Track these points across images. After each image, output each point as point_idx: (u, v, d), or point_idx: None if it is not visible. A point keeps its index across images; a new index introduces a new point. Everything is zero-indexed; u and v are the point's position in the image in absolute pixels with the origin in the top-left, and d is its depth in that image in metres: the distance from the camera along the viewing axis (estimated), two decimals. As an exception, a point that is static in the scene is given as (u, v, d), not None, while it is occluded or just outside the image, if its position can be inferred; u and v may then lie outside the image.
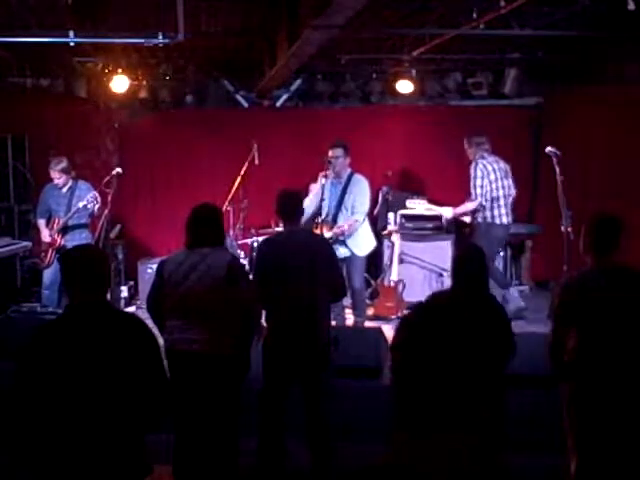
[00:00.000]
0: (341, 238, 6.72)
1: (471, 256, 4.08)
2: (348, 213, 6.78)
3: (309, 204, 6.76)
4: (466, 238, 7.69)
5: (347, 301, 7.31)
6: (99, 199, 7.12)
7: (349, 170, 6.91)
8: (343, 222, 6.75)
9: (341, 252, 6.63)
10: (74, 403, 2.88)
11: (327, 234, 6.55)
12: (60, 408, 2.88)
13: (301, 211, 4.75)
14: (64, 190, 7.35)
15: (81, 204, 7.08)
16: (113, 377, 2.93)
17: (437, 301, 3.95)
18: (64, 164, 7.32)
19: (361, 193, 6.84)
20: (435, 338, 3.74)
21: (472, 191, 7.28)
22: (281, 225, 4.87)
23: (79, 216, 7.27)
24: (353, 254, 6.82)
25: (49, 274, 7.39)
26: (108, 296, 3.36)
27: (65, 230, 7.31)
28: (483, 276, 3.95)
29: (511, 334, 3.87)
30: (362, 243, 6.91)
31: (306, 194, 6.91)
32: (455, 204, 8.89)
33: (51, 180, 7.40)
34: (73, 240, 7.14)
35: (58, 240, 7.28)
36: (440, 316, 3.80)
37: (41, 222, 7.48)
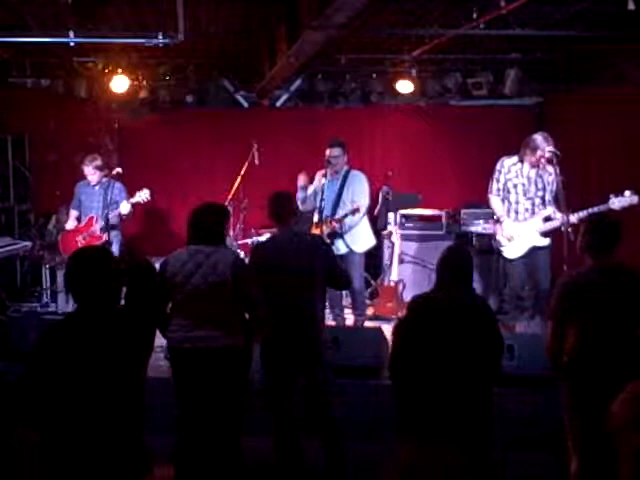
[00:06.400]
0: (339, 231, 6.69)
1: (456, 256, 4.08)
2: (347, 208, 6.75)
3: (309, 194, 6.78)
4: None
5: (347, 301, 7.31)
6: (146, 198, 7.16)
7: (346, 167, 6.90)
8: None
9: (339, 248, 6.63)
10: (79, 403, 2.89)
11: (328, 230, 6.55)
12: (65, 407, 2.89)
13: (292, 211, 4.75)
14: (97, 188, 7.35)
15: (124, 210, 7.12)
16: (119, 376, 2.94)
17: (422, 305, 3.96)
18: (98, 161, 7.35)
19: (360, 187, 6.81)
20: (424, 343, 3.76)
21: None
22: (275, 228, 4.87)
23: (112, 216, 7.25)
24: (351, 251, 6.79)
25: None
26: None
27: (111, 227, 7.19)
28: (467, 277, 3.95)
29: (498, 333, 3.87)
30: (360, 240, 6.88)
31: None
32: (454, 204, 8.91)
33: (74, 178, 7.46)
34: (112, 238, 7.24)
35: (104, 237, 7.12)
36: (429, 321, 3.82)
37: (73, 213, 7.50)
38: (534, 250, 6.36)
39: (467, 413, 3.62)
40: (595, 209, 5.88)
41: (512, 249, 6.41)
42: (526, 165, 6.37)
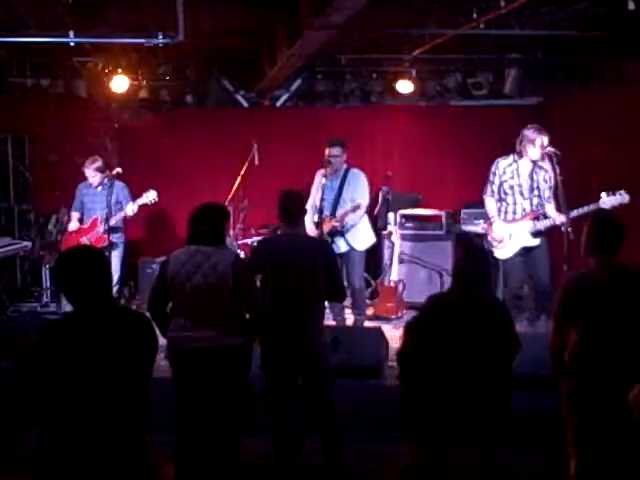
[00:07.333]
0: (339, 229, 6.68)
1: (472, 256, 4.06)
2: (347, 206, 6.75)
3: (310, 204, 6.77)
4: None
5: (347, 301, 7.31)
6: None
7: (345, 166, 6.90)
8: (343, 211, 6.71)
9: (340, 246, 6.63)
10: (77, 403, 2.88)
11: (328, 229, 6.55)
12: (61, 408, 2.88)
13: (303, 213, 4.75)
14: (99, 189, 7.36)
15: (130, 211, 7.14)
16: (117, 377, 2.93)
17: (437, 305, 3.94)
18: (99, 163, 7.37)
19: (360, 185, 6.82)
20: (438, 344, 3.74)
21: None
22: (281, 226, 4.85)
23: (117, 218, 7.25)
24: (352, 249, 6.79)
25: None
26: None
27: (113, 230, 7.16)
28: (483, 277, 3.93)
29: (514, 333, 3.86)
30: (361, 238, 6.89)
31: (307, 196, 6.90)
32: (454, 204, 8.91)
33: (74, 178, 7.49)
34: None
35: (106, 238, 7.03)
36: (442, 321, 3.80)
37: (74, 214, 7.53)
38: (530, 250, 6.34)
39: (477, 415, 3.61)
40: (585, 208, 5.87)
41: (502, 250, 6.39)
42: (523, 163, 6.32)
